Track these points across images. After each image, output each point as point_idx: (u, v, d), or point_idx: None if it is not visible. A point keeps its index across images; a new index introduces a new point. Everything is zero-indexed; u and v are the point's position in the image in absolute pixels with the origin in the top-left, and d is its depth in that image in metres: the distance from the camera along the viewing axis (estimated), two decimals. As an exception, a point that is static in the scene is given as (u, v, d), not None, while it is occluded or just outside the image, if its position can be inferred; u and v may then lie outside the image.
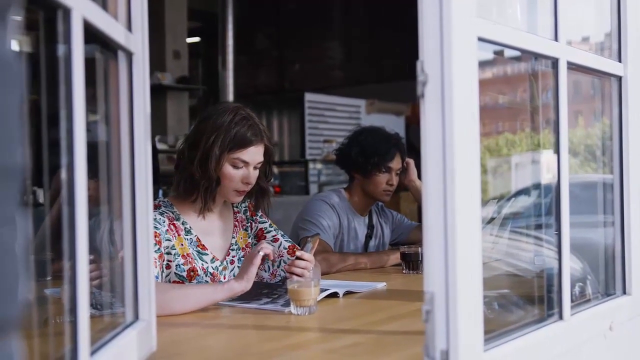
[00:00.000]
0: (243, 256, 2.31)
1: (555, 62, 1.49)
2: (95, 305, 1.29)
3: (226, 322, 1.81)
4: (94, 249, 1.09)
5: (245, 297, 2.03)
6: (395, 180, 2.98)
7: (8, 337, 0.56)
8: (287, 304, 1.90)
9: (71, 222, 0.99)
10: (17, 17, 0.60)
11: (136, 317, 1.36)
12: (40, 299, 1.55)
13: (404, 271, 2.64)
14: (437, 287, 1.16)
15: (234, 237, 2.32)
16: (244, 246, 2.34)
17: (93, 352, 1.08)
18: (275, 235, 2.37)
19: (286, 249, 2.33)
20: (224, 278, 2.24)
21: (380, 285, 2.32)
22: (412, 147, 3.37)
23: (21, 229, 0.58)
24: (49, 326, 1.21)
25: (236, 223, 2.35)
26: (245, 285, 1.92)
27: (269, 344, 1.59)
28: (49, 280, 1.67)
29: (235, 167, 2.16)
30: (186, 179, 2.18)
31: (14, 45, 0.59)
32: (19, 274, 0.58)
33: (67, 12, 0.97)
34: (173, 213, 2.20)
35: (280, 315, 1.85)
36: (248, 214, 2.39)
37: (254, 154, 2.18)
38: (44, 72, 1.05)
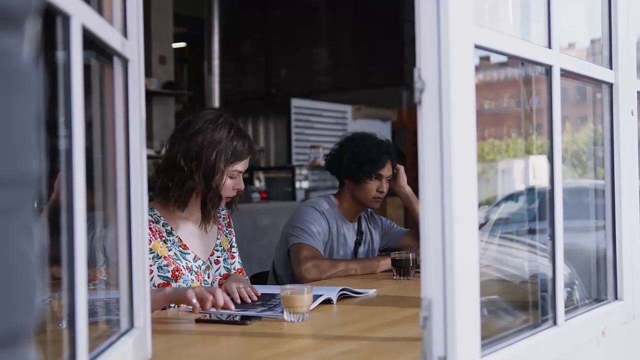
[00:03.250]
0: (226, 258, 2.40)
1: (549, 69, 1.50)
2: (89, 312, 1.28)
3: (220, 329, 1.80)
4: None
5: (241, 306, 2.02)
6: (385, 188, 2.98)
7: (25, 345, 0.55)
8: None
9: (69, 229, 0.98)
10: (33, 26, 0.60)
11: (131, 324, 1.35)
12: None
13: (394, 277, 2.64)
14: (435, 293, 1.16)
15: (218, 239, 2.40)
16: (227, 249, 2.43)
17: (90, 361, 1.07)
18: (235, 253, 2.48)
19: (235, 270, 2.42)
20: (209, 277, 2.32)
21: (372, 292, 2.32)
22: (399, 153, 3.37)
23: (37, 237, 0.58)
24: (46, 333, 1.20)
25: (220, 226, 2.43)
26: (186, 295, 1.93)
27: (264, 351, 1.58)
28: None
29: (231, 177, 2.27)
30: (187, 192, 2.23)
31: (31, 54, 0.59)
32: (36, 283, 0.58)
33: (66, 18, 0.97)
34: (152, 216, 2.25)
35: (274, 322, 1.84)
36: (226, 222, 2.48)
37: (247, 163, 2.31)
38: (41, 77, 1.04)
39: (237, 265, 2.46)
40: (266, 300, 2.11)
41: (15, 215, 0.55)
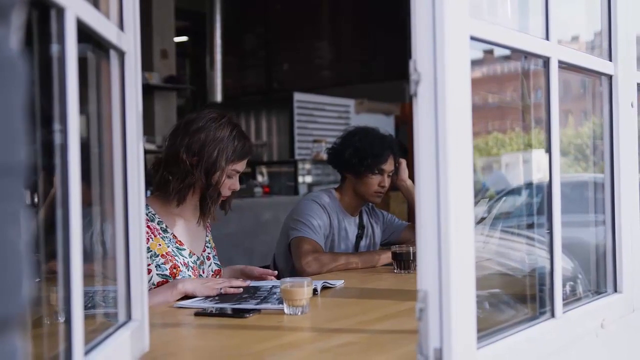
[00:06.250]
0: (215, 255, 2.44)
1: (546, 61, 1.50)
2: (86, 305, 1.28)
3: (218, 322, 1.80)
4: (84, 249, 1.09)
5: (232, 300, 2.02)
6: (387, 182, 2.98)
7: (12, 334, 0.56)
8: (282, 302, 1.89)
9: (65, 222, 0.98)
10: (20, 16, 0.60)
11: (129, 317, 1.35)
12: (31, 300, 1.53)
13: (395, 271, 2.64)
14: (431, 285, 1.16)
15: (207, 236, 2.44)
16: (213, 247, 2.46)
17: (86, 353, 1.08)
18: (215, 253, 2.47)
19: (213, 271, 2.42)
20: (203, 272, 2.35)
21: (339, 283, 2.34)
22: (401, 147, 3.38)
23: (25, 227, 0.58)
24: (43, 327, 1.20)
25: (208, 224, 2.46)
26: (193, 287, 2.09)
27: (262, 343, 1.58)
28: (38, 282, 1.66)
29: (229, 177, 2.29)
30: (187, 187, 2.25)
31: (17, 44, 0.59)
32: (24, 272, 0.58)
33: (60, 11, 0.96)
34: (147, 214, 2.25)
35: (273, 315, 1.85)
36: (209, 222, 2.50)
37: (245, 164, 2.35)
38: (35, 71, 1.04)
39: (214, 267, 2.46)
40: (252, 293, 2.11)
41: (2, 204, 0.55)
